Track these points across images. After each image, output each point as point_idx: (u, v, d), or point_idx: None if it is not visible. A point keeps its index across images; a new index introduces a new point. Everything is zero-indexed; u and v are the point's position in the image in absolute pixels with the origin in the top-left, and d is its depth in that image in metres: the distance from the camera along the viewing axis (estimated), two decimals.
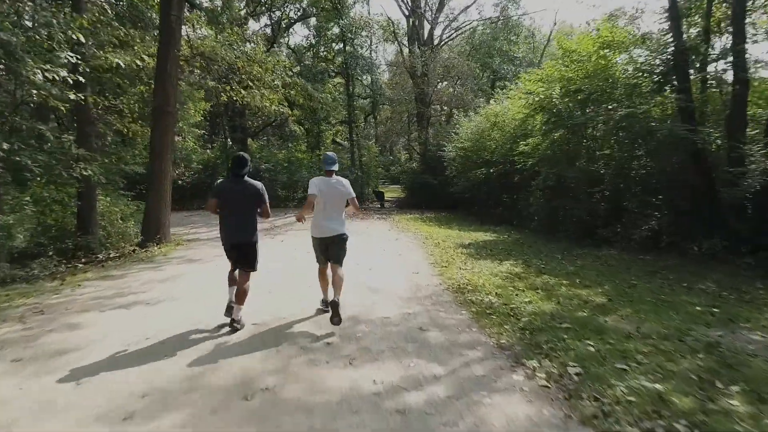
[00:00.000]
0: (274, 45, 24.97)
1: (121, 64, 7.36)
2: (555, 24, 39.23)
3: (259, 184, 4.61)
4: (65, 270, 7.30)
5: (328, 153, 4.94)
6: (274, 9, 28.06)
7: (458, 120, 18.69)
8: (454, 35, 28.93)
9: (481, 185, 15.85)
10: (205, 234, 11.93)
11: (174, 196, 19.27)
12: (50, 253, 7.52)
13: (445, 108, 25.89)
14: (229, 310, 4.54)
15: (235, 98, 11.99)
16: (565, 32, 39.12)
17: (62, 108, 6.70)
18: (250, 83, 11.33)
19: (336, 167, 4.83)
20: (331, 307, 4.45)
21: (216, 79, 11.04)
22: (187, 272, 7.00)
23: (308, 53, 26.68)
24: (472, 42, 28.54)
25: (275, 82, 13.24)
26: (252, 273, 4.65)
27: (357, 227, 12.77)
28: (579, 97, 10.36)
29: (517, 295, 5.61)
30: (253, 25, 27.57)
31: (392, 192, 28.88)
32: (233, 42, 10.89)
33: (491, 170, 14.88)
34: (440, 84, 25.14)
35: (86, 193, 8.55)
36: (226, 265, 4.82)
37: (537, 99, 10.59)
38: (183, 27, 10.02)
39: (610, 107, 9.42)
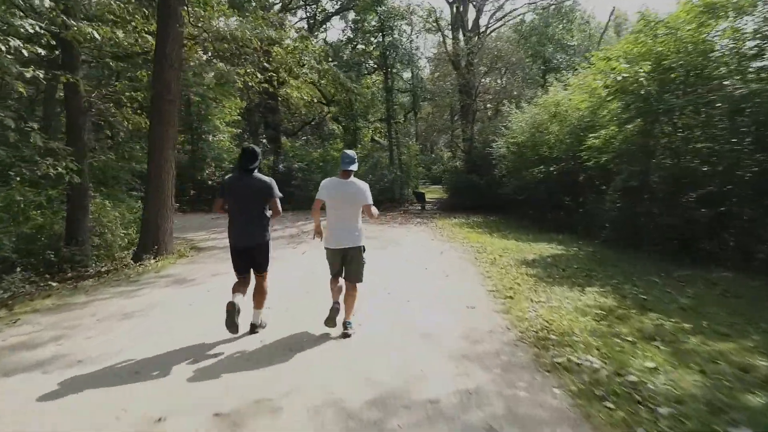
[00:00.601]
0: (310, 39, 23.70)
1: (96, 35, 5.96)
2: (614, 9, 36.10)
3: (269, 179, 4.16)
4: (33, 291, 5.96)
5: (346, 151, 4.27)
6: (310, 2, 26.83)
7: (509, 112, 16.63)
8: (502, 23, 26.73)
9: (537, 185, 13.80)
10: (223, 240, 10.53)
11: (204, 196, 18.24)
12: (18, 269, 6.17)
13: (492, 101, 23.75)
14: (230, 317, 3.86)
15: (258, 88, 10.49)
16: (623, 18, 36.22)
17: (21, 89, 5.34)
18: (270, 68, 9.78)
19: (354, 167, 4.12)
20: (331, 311, 4.11)
21: (229, 62, 9.55)
22: (165, 302, 5.41)
23: (346, 47, 25.21)
24: (522, 29, 26.27)
25: (303, 70, 11.67)
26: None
27: (392, 235, 11.06)
28: (673, 76, 8.24)
29: (629, 352, 3.73)
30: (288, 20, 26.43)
31: (433, 193, 27.00)
32: (258, 26, 9.39)
33: (551, 168, 12.81)
34: (487, 75, 23.03)
35: (76, 195, 7.23)
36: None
37: (618, 80, 8.52)
38: (197, 8, 8.56)
39: (726, 83, 7.25)
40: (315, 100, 34.89)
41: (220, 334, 4.10)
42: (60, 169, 5.87)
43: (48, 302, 5.44)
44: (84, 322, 4.72)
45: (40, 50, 5.16)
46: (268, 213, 4.18)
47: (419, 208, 20.40)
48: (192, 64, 8.96)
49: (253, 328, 4.25)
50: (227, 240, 4.30)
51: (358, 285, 4.30)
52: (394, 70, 23.26)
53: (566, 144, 12.68)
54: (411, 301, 5.24)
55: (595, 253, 8.68)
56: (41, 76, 5.01)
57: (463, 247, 9.10)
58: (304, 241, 10.18)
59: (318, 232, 4.37)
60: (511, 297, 5.33)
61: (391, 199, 21.27)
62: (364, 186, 4.16)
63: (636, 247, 8.97)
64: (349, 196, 4.08)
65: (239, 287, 4.16)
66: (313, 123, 32.52)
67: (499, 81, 24.13)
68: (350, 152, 4.23)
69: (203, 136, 22.41)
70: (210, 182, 20.45)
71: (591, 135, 10.47)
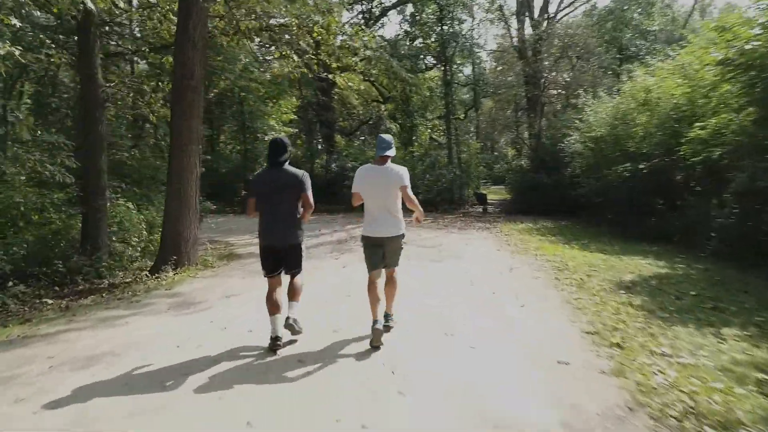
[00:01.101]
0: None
1: (92, 6, 5.03)
2: None
3: (300, 172, 3.94)
4: (25, 309, 5.16)
5: (382, 135, 4.08)
6: None
7: (585, 103, 14.68)
8: (572, 8, 24.44)
9: (620, 186, 11.88)
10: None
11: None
12: (10, 284, 5.38)
13: (562, 93, 21.63)
14: (275, 343, 3.74)
15: (295, 73, 9.46)
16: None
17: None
18: (309, 51, 8.68)
19: (392, 152, 3.93)
20: (373, 331, 3.72)
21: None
22: (150, 339, 4.23)
23: (403, 42, 23.94)
24: (595, 14, 23.92)
25: (353, 59, 10.54)
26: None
27: (451, 244, 9.67)
28: None
29: None
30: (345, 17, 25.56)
31: (495, 194, 25.14)
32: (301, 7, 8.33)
33: (639, 166, 10.87)
34: (557, 65, 20.94)
35: (91, 197, 6.43)
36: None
37: (743, 51, 6.67)
38: None
39: None
40: (371, 99, 34.60)
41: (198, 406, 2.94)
42: (50, 167, 5.01)
43: (17, 331, 4.54)
44: (32, 368, 3.63)
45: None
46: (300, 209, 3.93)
47: (480, 210, 18.80)
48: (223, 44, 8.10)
49: (288, 324, 3.84)
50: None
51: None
52: (454, 65, 21.78)
53: (658, 137, 10.72)
54: (476, 348, 3.85)
55: (710, 272, 6.85)
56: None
57: (537, 261, 7.55)
58: (350, 249, 9.01)
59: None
60: (619, 345, 3.80)
61: (450, 201, 19.79)
62: (402, 170, 3.95)
63: (759, 264, 7.05)
64: (386, 182, 3.87)
65: (274, 295, 3.90)
66: (370, 122, 31.71)
67: (568, 72, 21.87)
68: (386, 136, 4.02)
69: (257, 135, 21.97)
70: None
71: (696, 125, 8.57)
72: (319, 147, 22.33)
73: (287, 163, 3.89)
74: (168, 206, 6.78)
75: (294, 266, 4.02)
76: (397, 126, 28.31)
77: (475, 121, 26.71)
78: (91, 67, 6.48)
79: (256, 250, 4.14)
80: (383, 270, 4.06)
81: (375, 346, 3.76)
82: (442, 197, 19.67)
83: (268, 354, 3.74)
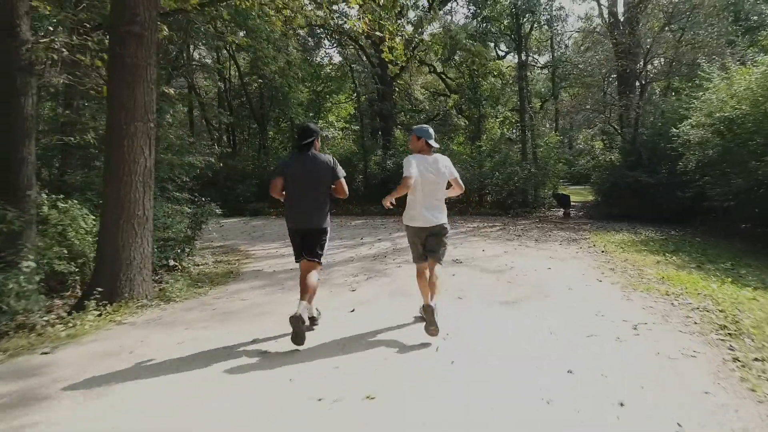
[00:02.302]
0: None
1: None
2: None
3: (329, 157, 3.97)
4: None
5: (423, 126, 4.15)
6: None
7: (708, 75, 11.22)
8: None
9: (760, 185, 8.58)
10: (276, 262, 7.47)
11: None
12: None
13: (667, 69, 17.84)
14: (298, 335, 3.56)
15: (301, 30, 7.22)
16: None
17: None
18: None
19: (436, 144, 4.12)
20: (425, 313, 3.72)
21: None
22: None
23: (471, 24, 21.14)
24: None
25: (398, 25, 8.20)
26: None
27: (527, 268, 6.99)
28: None
29: None
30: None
31: (574, 194, 21.46)
32: None
33: None
34: (657, 38, 17.17)
35: (11, 196, 4.56)
36: None
37: None
38: None
39: None
40: (437, 92, 31.96)
41: None
42: None
43: None
44: None
45: None
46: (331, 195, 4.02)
47: (561, 215, 15.69)
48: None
49: (304, 322, 3.57)
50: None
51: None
52: (531, 48, 18.73)
53: None
54: None
55: None
56: None
57: (673, 306, 4.62)
58: (383, 273, 6.64)
59: (388, 201, 4.11)
60: None
61: (523, 203, 16.83)
62: (449, 161, 4.15)
63: None
64: (438, 172, 4.01)
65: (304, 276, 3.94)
66: (437, 118, 29.35)
67: (672, 47, 17.94)
68: (427, 126, 4.14)
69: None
70: None
71: None
72: (377, 143, 20.12)
73: (313, 147, 3.95)
74: (104, 214, 4.76)
75: (312, 252, 3.98)
76: (464, 120, 25.63)
77: (553, 111, 23.16)
78: (12, 15, 4.62)
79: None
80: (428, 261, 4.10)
81: (433, 333, 3.66)
82: (514, 199, 16.77)
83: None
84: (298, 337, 3.51)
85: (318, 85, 22.97)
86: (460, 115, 27.72)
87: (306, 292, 3.80)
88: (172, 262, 6.87)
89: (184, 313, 4.80)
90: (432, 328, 3.63)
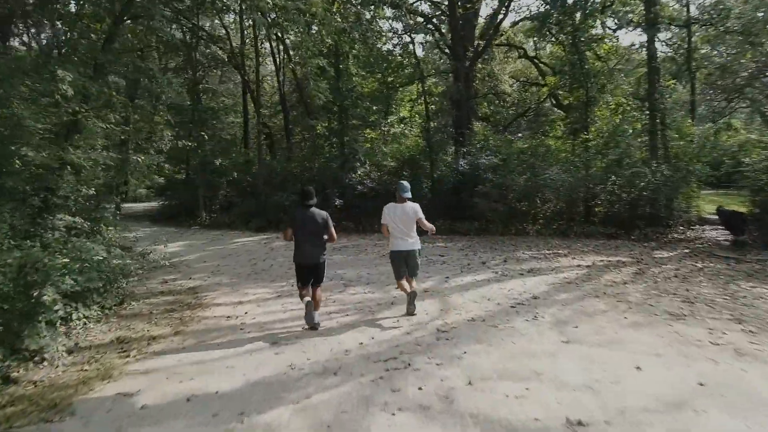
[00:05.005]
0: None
1: None
2: None
3: (324, 213, 5.33)
4: None
5: (402, 182, 5.81)
6: None
7: None
8: None
9: None
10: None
11: (352, 210, 12.34)
12: None
13: None
14: (309, 315, 5.18)
15: None
16: None
17: None
18: None
19: (409, 195, 5.65)
20: (409, 296, 5.52)
21: None
22: None
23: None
24: None
25: None
26: None
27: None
28: None
29: None
30: None
31: (709, 203, 15.40)
32: None
33: None
34: None
35: None
36: None
37: None
38: None
39: None
40: (529, 83, 27.04)
41: None
42: None
43: None
44: None
45: None
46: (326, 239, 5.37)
47: (728, 241, 10.50)
48: None
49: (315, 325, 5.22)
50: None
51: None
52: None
53: None
54: None
55: None
56: None
57: None
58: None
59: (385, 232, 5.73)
60: None
61: (652, 220, 11.87)
62: (417, 206, 5.68)
63: None
64: (406, 215, 5.55)
65: (305, 292, 5.27)
66: (529, 113, 24.94)
67: None
68: (405, 183, 5.76)
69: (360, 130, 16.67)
70: (359, 188, 14.32)
71: None
72: (452, 139, 16.01)
73: (314, 206, 5.30)
74: None
75: (318, 280, 5.40)
76: (562, 111, 20.74)
77: (688, 88, 17.37)
78: None
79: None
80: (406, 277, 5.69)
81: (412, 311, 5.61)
82: (639, 213, 11.91)
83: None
84: (313, 324, 5.18)
85: (387, 73, 19.30)
86: (555, 108, 22.80)
87: (317, 303, 5.35)
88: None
89: None
90: (411, 307, 5.53)
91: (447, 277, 7.54)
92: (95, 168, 5.26)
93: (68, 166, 4.78)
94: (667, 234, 11.58)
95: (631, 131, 14.00)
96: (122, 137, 6.38)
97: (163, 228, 16.54)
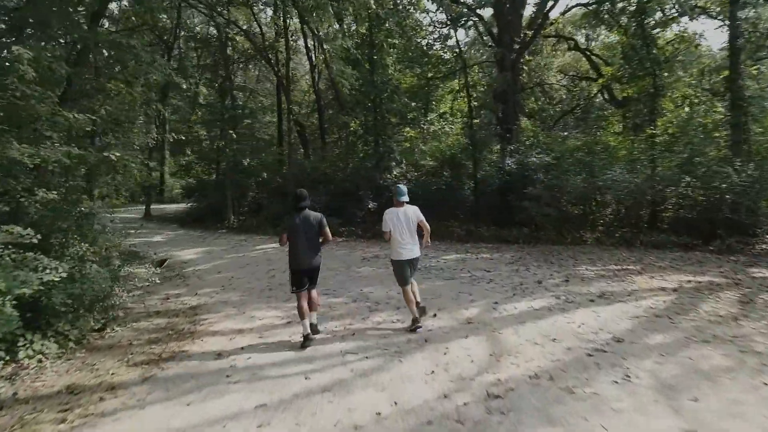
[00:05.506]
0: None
1: None
2: None
3: (319, 215, 5.27)
4: None
5: (399, 186, 5.53)
6: None
7: None
8: None
9: None
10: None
11: (382, 213, 11.34)
12: None
13: None
14: (307, 340, 4.92)
15: None
16: None
17: None
18: None
19: (406, 198, 5.40)
20: (420, 310, 5.39)
21: None
22: None
23: None
24: None
25: None
26: None
27: None
28: None
29: None
30: None
31: None
32: None
33: None
34: None
35: None
36: None
37: None
38: None
39: None
40: (579, 77, 25.18)
41: None
42: None
43: None
44: None
45: None
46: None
47: None
48: None
49: (314, 328, 5.21)
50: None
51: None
52: None
53: None
54: None
55: None
56: None
57: None
58: None
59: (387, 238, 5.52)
60: None
61: (733, 227, 10.09)
62: (417, 209, 5.48)
63: None
64: (408, 220, 5.32)
65: (303, 303, 5.06)
66: (578, 110, 23.29)
67: None
68: (402, 187, 5.49)
69: (405, 128, 15.47)
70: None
71: None
72: (498, 136, 14.64)
73: (307, 208, 5.22)
74: None
75: (315, 281, 5.34)
76: (611, 106, 18.96)
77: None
78: None
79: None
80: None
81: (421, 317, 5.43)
82: (720, 219, 10.16)
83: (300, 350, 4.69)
84: (310, 337, 4.98)
85: (427, 68, 18.07)
86: (608, 101, 20.94)
87: (315, 305, 5.28)
88: None
89: None
90: (417, 325, 5.22)
91: (496, 303, 6.19)
92: (48, 166, 4.32)
93: (17, 165, 3.91)
94: (754, 245, 9.82)
95: (707, 124, 12.20)
96: (88, 128, 5.43)
97: (188, 232, 15.91)
